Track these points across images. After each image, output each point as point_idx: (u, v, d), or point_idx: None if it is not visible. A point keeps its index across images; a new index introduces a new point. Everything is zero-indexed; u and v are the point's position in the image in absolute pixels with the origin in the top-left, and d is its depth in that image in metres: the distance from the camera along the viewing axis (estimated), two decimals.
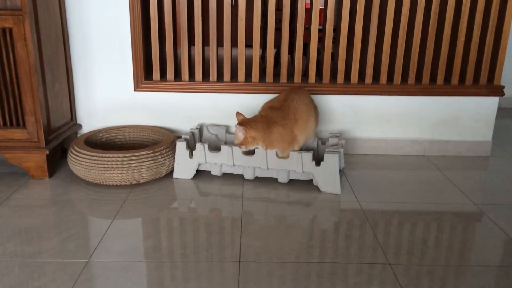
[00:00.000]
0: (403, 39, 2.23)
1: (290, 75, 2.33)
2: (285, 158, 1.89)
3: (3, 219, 1.62)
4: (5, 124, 1.92)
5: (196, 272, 1.34)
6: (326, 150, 1.89)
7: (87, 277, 1.30)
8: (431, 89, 2.28)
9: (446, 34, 2.21)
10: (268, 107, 1.94)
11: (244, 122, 1.85)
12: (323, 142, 2.15)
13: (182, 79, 2.28)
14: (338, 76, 2.27)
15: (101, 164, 1.84)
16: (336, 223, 1.65)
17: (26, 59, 1.83)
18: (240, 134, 1.84)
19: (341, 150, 2.02)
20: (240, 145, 1.87)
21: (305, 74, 2.37)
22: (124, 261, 1.38)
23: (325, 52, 2.26)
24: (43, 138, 1.92)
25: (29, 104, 1.88)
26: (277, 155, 1.90)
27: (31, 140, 1.92)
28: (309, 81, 2.28)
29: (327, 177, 1.87)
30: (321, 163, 1.86)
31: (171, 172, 2.02)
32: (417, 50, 2.24)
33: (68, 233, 1.54)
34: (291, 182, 1.98)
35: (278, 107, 1.91)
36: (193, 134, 2.10)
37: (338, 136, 2.14)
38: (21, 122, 1.91)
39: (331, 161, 1.85)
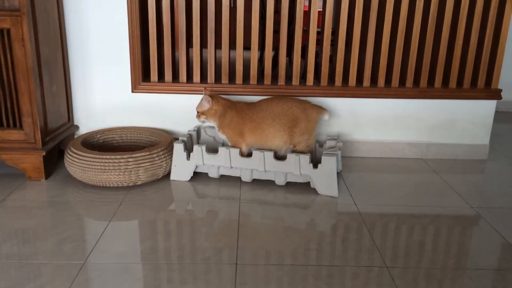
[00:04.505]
0: (401, 42, 2.23)
1: (288, 77, 2.33)
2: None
3: None
4: (2, 125, 1.91)
5: (193, 274, 1.33)
6: (324, 152, 1.89)
7: (84, 278, 1.30)
8: (429, 92, 2.28)
9: (444, 37, 2.22)
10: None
11: (213, 95, 2.02)
12: (321, 144, 2.15)
13: (180, 80, 2.28)
14: (336, 78, 2.28)
15: (98, 165, 1.83)
16: (333, 225, 1.65)
17: (23, 60, 1.83)
18: (206, 104, 1.99)
19: (339, 152, 2.02)
20: (200, 115, 2.01)
21: (303, 76, 2.38)
22: (121, 263, 1.38)
23: (323, 54, 2.26)
24: (40, 139, 1.91)
25: (26, 105, 1.88)
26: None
27: (28, 141, 1.91)
28: (307, 83, 2.28)
29: (324, 179, 1.87)
30: (319, 165, 1.86)
31: (168, 174, 2.01)
32: (415, 53, 2.24)
33: (65, 234, 1.53)
34: (289, 184, 1.97)
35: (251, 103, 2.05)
36: (190, 136, 2.10)
37: (335, 139, 2.14)
38: (18, 123, 1.91)
39: (329, 164, 1.84)
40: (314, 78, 2.38)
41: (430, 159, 2.36)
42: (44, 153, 1.92)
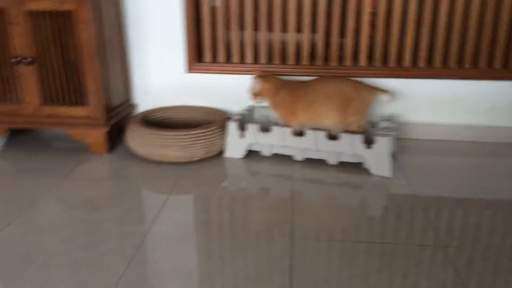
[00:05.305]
0: (459, 22, 2.16)
1: (341, 58, 2.31)
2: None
3: (68, 191, 1.74)
4: (69, 102, 2.03)
5: (247, 245, 1.39)
6: (378, 132, 1.88)
7: (149, 243, 1.38)
8: (489, 73, 2.20)
9: (504, 16, 2.13)
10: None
11: (264, 75, 2.08)
12: (374, 125, 2.14)
13: (234, 61, 2.33)
14: (391, 59, 2.24)
15: (157, 141, 1.92)
16: (386, 205, 1.65)
17: (88, 41, 1.93)
18: (257, 85, 2.04)
19: (393, 133, 2.00)
20: (254, 96, 2.07)
21: (356, 57, 2.35)
22: (180, 233, 1.45)
23: (377, 34, 2.22)
24: (103, 116, 2.02)
25: (90, 84, 1.98)
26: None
27: (92, 118, 2.02)
28: (361, 64, 2.26)
29: (378, 159, 1.86)
30: (373, 145, 1.86)
31: (223, 151, 2.07)
32: (474, 33, 2.17)
33: (128, 204, 1.63)
34: (341, 164, 1.98)
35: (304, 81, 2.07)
36: (244, 115, 2.14)
37: (389, 120, 2.12)
38: (83, 101, 2.02)
39: (383, 144, 1.84)
40: (368, 59, 2.35)
41: (488, 143, 2.29)
42: (107, 129, 2.03)
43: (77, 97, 2.02)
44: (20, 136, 2.27)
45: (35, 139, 2.26)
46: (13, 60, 1.97)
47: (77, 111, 2.03)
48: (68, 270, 1.28)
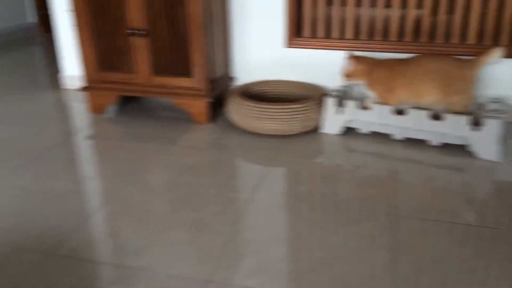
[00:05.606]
0: None
1: (448, 35, 2.20)
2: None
3: (174, 157, 1.87)
4: (176, 73, 2.15)
5: (343, 220, 1.41)
6: (487, 114, 1.78)
7: (250, 210, 1.46)
8: None
9: None
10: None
11: (355, 56, 2.03)
12: (480, 106, 2.02)
13: (333, 36, 2.31)
14: (503, 37, 2.08)
15: (256, 114, 1.98)
16: (491, 191, 1.57)
17: (195, 14, 2.02)
18: (350, 67, 2.00)
19: (504, 116, 1.88)
20: (348, 78, 2.03)
21: (464, 34, 2.22)
22: (278, 203, 1.51)
23: (489, 11, 2.08)
24: (206, 88, 2.12)
25: (196, 56, 2.08)
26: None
27: (196, 89, 2.13)
28: (469, 41, 2.13)
29: (485, 143, 1.77)
30: (480, 127, 1.77)
31: (320, 126, 2.09)
32: None
33: (229, 173, 1.72)
34: (443, 145, 1.91)
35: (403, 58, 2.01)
36: (342, 91, 2.13)
37: (499, 102, 1.99)
38: (189, 72, 2.13)
39: (492, 126, 1.74)
40: (478, 37, 2.21)
41: None
42: (209, 100, 2.13)
43: (184, 69, 2.14)
44: (130, 103, 2.46)
45: (143, 107, 2.43)
46: (128, 31, 2.13)
47: (183, 82, 2.15)
48: (179, 228, 1.39)
